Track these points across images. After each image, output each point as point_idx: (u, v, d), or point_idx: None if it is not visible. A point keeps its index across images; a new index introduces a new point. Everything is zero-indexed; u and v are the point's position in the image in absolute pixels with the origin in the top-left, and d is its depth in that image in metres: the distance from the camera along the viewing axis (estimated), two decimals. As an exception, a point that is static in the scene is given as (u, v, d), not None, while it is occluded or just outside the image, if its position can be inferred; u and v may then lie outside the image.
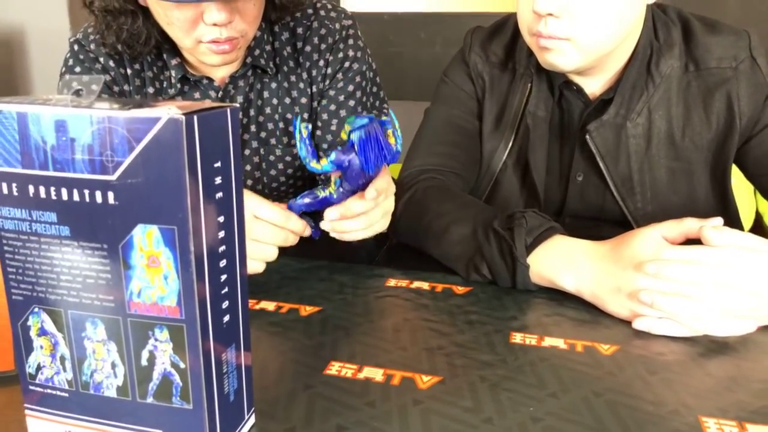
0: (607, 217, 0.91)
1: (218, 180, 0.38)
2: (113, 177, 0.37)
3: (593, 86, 0.88)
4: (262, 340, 0.60)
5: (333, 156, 0.65)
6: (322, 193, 0.69)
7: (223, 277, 0.40)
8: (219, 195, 0.39)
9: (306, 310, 0.66)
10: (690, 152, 0.86)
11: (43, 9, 2.03)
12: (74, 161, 0.37)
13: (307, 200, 0.69)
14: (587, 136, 0.86)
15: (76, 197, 0.38)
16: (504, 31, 0.95)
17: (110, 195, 0.37)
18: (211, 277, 0.39)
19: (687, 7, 0.91)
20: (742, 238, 0.60)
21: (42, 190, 0.38)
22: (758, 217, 2.02)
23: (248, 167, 0.99)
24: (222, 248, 0.40)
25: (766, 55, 0.84)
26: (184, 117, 0.35)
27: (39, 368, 0.42)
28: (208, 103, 0.38)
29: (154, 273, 0.38)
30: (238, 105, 0.41)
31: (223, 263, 0.40)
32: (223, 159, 0.39)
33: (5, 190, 0.39)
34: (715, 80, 0.84)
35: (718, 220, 0.62)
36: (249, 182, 1.00)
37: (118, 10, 0.82)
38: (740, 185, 0.90)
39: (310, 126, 0.67)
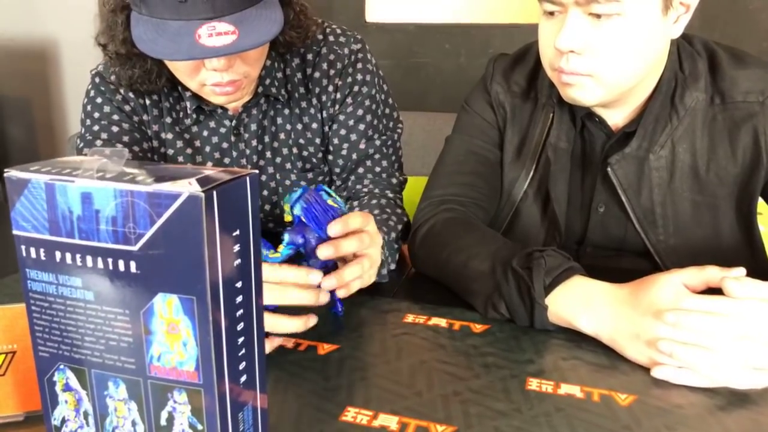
0: (629, 248, 0.90)
1: (236, 248, 0.39)
2: (135, 248, 0.38)
3: (616, 118, 0.87)
4: (280, 381, 0.61)
5: (287, 238, 0.67)
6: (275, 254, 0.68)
7: (240, 339, 0.41)
8: (237, 262, 0.40)
9: (324, 348, 0.67)
10: (715, 186, 0.85)
11: (75, 22, 2.09)
12: (99, 231, 0.38)
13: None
14: (609, 169, 0.85)
15: (100, 265, 0.39)
16: (526, 61, 0.95)
17: (132, 264, 0.38)
18: (228, 343, 0.40)
19: (715, 35, 0.90)
20: (764, 289, 0.59)
21: (68, 256, 0.39)
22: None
23: (265, 192, 1.01)
24: (240, 312, 0.41)
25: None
26: (203, 194, 0.36)
27: (64, 421, 0.44)
28: (228, 173, 0.39)
29: (174, 339, 0.39)
30: (257, 172, 0.42)
31: (240, 326, 0.41)
32: (242, 226, 0.40)
33: (33, 255, 0.40)
34: (741, 114, 0.83)
35: (741, 271, 0.61)
36: (267, 207, 1.02)
37: (126, 55, 0.85)
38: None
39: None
